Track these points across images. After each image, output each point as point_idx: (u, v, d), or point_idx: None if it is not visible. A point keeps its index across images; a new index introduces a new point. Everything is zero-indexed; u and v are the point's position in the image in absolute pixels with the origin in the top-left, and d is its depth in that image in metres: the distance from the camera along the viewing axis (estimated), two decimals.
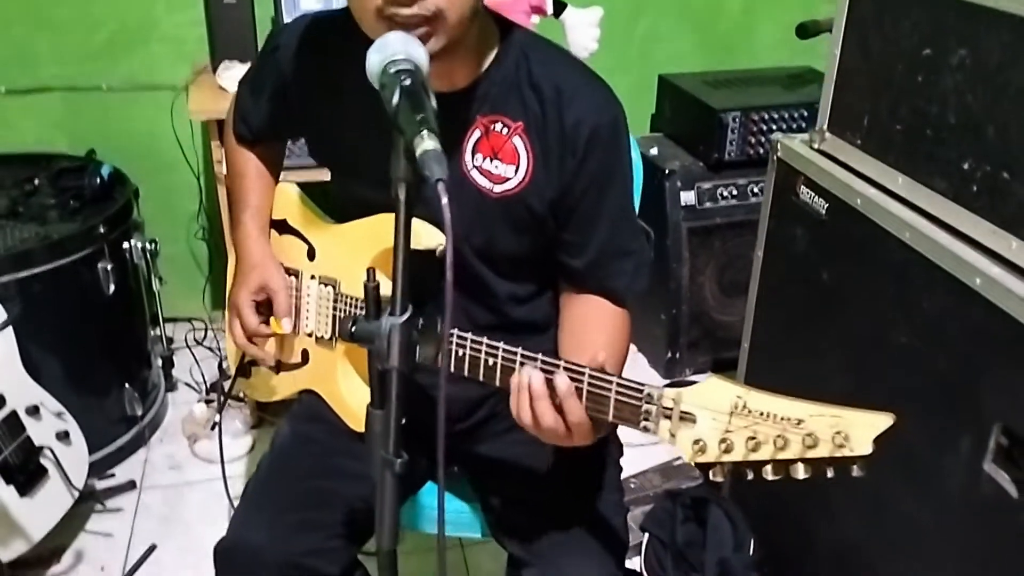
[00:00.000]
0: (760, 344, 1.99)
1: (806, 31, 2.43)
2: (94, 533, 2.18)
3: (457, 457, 1.50)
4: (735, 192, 2.75)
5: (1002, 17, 1.27)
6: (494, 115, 1.25)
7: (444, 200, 0.82)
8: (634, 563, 2.17)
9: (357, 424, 1.33)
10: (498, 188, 1.26)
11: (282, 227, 1.50)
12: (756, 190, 2.73)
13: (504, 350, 1.08)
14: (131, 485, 2.32)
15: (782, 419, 0.93)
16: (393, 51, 0.96)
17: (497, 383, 1.10)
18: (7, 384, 1.85)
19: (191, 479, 2.38)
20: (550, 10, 2.32)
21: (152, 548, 2.04)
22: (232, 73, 2.26)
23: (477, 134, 1.25)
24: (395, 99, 0.91)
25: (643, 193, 2.85)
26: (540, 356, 1.06)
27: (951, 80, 1.39)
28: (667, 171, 2.70)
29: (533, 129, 1.24)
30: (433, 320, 1.00)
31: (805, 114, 2.64)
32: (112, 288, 2.24)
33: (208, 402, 2.54)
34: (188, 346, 2.82)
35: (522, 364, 1.07)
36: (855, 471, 0.93)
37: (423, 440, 1.46)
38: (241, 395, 2.41)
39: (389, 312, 0.94)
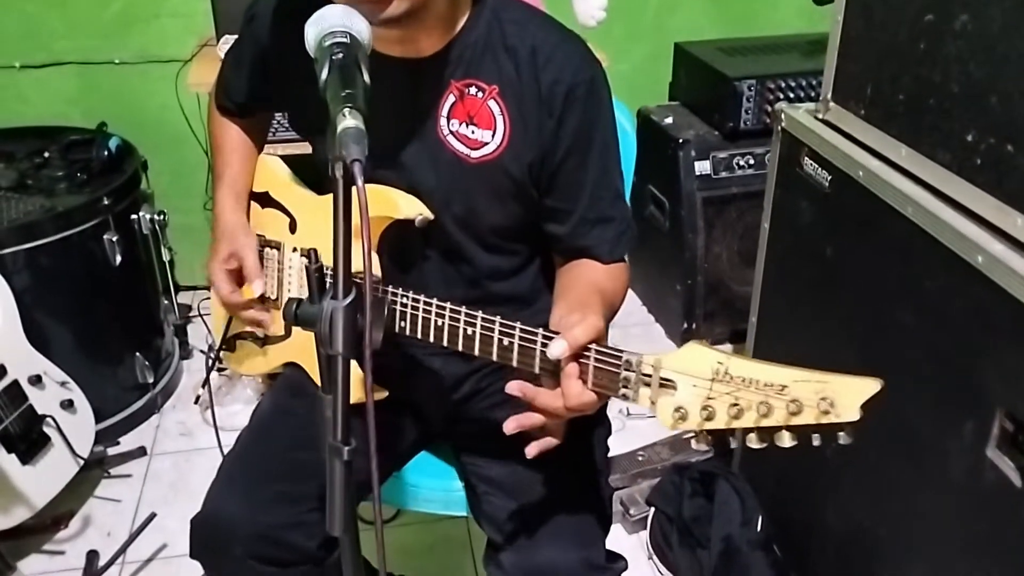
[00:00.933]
0: (768, 317, 1.91)
1: None
2: (103, 499, 2.18)
3: (445, 433, 1.46)
4: (751, 161, 2.65)
5: None
6: (468, 79, 1.19)
7: (359, 183, 0.76)
8: (640, 537, 2.12)
9: None
10: (476, 154, 1.21)
11: (264, 200, 1.44)
12: None
13: (483, 319, 1.04)
14: (141, 451, 2.31)
15: (765, 385, 0.88)
16: (330, 24, 0.90)
17: (476, 352, 1.05)
18: (8, 354, 1.84)
19: (201, 445, 2.37)
20: None
21: (152, 516, 2.02)
22: None
23: (451, 99, 1.20)
24: (324, 74, 0.86)
25: (657, 162, 2.78)
26: (518, 325, 1.02)
27: (953, 47, 1.29)
28: (681, 140, 2.62)
29: (509, 92, 1.19)
30: (378, 299, 0.94)
31: (821, 82, 2.52)
32: (119, 259, 2.21)
33: (220, 370, 2.51)
34: (203, 314, 2.80)
35: (502, 337, 1.03)
36: (842, 438, 0.87)
37: (412, 409, 1.43)
38: (225, 368, 2.39)
39: (332, 295, 0.88)
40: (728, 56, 2.71)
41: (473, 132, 1.20)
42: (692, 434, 0.92)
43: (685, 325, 2.78)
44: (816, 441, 0.88)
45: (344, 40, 0.89)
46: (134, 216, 2.27)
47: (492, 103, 1.19)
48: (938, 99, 1.33)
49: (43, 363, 1.94)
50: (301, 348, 1.40)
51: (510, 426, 1.06)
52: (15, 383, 1.84)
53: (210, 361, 1.55)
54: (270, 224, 1.41)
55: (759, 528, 1.94)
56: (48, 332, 2.06)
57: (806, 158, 1.65)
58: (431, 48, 1.17)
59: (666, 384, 0.93)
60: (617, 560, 1.32)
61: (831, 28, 1.58)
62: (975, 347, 1.28)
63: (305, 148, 1.48)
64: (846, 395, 0.85)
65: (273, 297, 1.39)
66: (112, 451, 2.29)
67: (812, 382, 0.86)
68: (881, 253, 1.47)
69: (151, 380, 2.41)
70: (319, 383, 1.32)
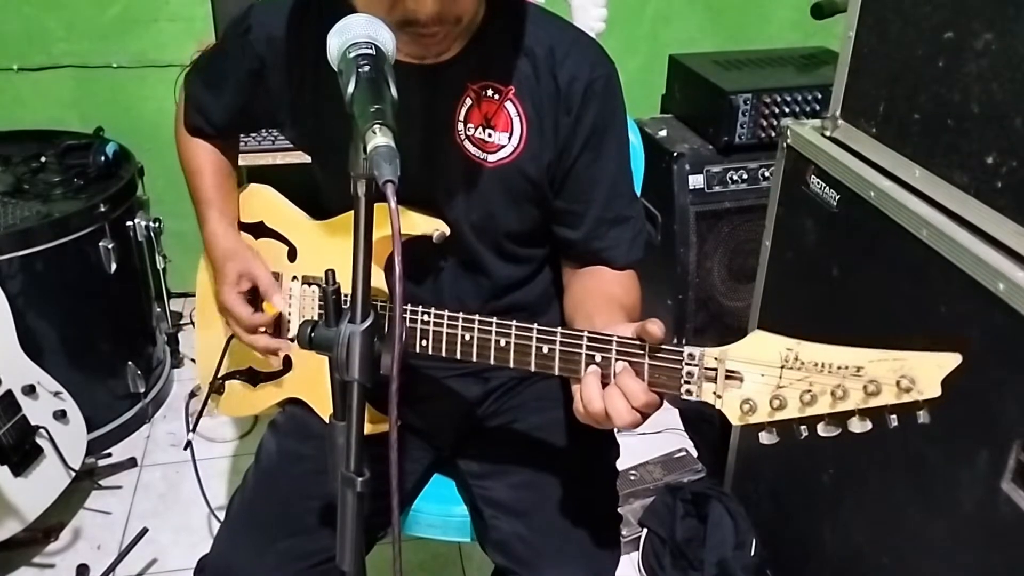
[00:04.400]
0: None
1: (821, 11, 2.26)
2: (93, 511, 2.09)
3: (453, 459, 1.39)
4: (745, 176, 2.59)
5: None
6: (484, 81, 1.15)
7: (393, 204, 0.70)
8: (631, 559, 2.06)
9: None
10: (492, 157, 1.16)
11: (258, 230, 1.36)
12: (767, 174, 2.57)
13: (517, 327, 0.97)
14: (132, 463, 2.23)
15: (839, 368, 0.84)
16: (354, 34, 0.84)
17: (511, 364, 0.98)
18: (3, 363, 1.75)
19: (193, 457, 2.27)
20: None
21: (144, 532, 1.93)
22: None
23: (468, 103, 1.15)
24: (351, 87, 0.79)
25: (650, 175, 2.71)
26: (559, 330, 0.96)
27: (975, 66, 1.23)
28: (675, 154, 2.55)
29: (525, 92, 1.14)
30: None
31: (819, 96, 2.47)
32: (114, 266, 2.13)
33: (191, 394, 2.43)
34: (192, 323, 2.70)
35: (541, 344, 0.96)
36: (921, 417, 0.84)
37: (424, 436, 1.36)
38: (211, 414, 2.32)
39: (349, 319, 0.81)
40: (723, 69, 2.65)
41: (490, 136, 1.15)
42: (760, 427, 0.88)
43: (675, 339, 2.72)
44: (893, 422, 0.84)
45: (370, 52, 0.82)
46: (129, 223, 2.19)
47: (509, 104, 1.15)
48: (957, 119, 1.27)
49: (37, 373, 1.86)
50: (303, 382, 1.32)
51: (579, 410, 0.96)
52: (9, 393, 1.76)
53: (197, 409, 1.46)
54: (267, 256, 1.33)
55: (753, 552, 1.89)
56: (41, 340, 1.98)
57: (813, 176, 1.59)
58: (448, 53, 1.12)
59: (732, 376, 0.88)
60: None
61: (842, 44, 1.52)
62: (992, 376, 1.21)
63: (271, 159, 1.40)
64: (926, 371, 0.82)
65: (269, 332, 1.30)
66: (102, 462, 2.21)
67: (889, 360, 0.82)
68: (892, 275, 1.40)
69: (142, 389, 2.33)
70: (325, 418, 1.26)
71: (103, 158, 2.16)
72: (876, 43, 1.45)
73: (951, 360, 0.81)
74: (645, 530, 2.04)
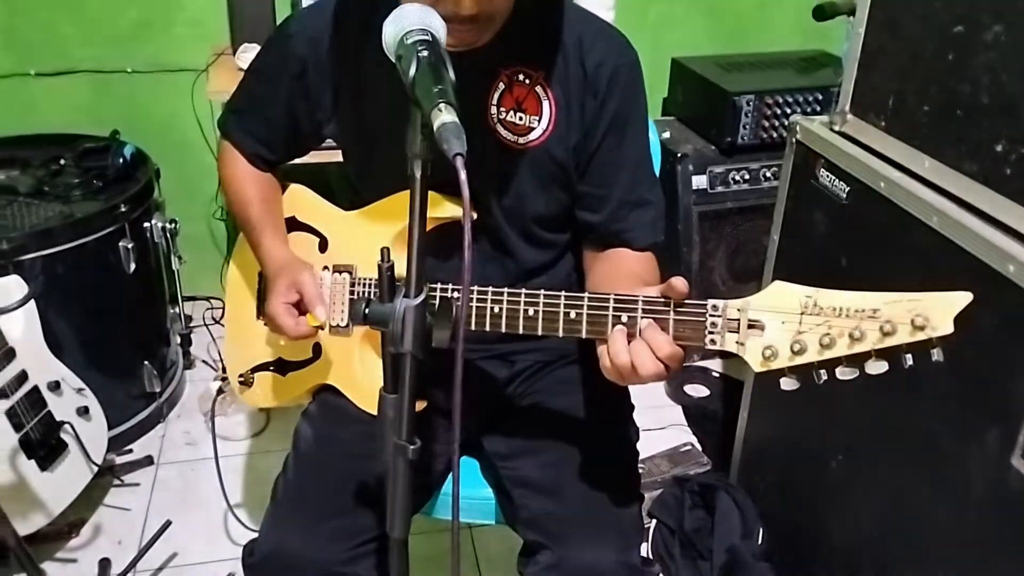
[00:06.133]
0: None
1: (823, 12, 2.30)
2: (112, 507, 2.11)
3: (480, 439, 1.41)
4: (747, 176, 2.63)
5: None
6: (516, 67, 1.20)
7: (463, 176, 0.74)
8: (641, 549, 2.09)
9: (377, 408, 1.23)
10: (523, 140, 1.21)
11: (291, 225, 1.40)
12: (769, 174, 2.62)
13: (545, 295, 1.01)
14: (148, 460, 2.25)
15: (856, 312, 0.88)
16: (410, 22, 0.88)
17: (540, 331, 1.01)
18: (30, 360, 1.77)
19: (207, 455, 2.29)
20: None
21: (167, 524, 1.96)
22: (250, 56, 2.15)
23: (501, 87, 1.20)
24: (412, 71, 0.83)
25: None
26: (586, 295, 0.99)
27: (984, 58, 1.27)
28: (679, 155, 2.59)
29: (554, 77, 1.20)
30: (446, 299, 0.91)
31: (820, 98, 2.52)
32: (133, 266, 2.15)
33: (223, 379, 2.45)
34: (206, 324, 2.75)
35: (568, 309, 0.99)
36: (935, 355, 0.88)
37: (451, 419, 1.38)
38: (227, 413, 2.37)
39: (404, 294, 0.84)
40: (726, 71, 2.69)
41: (521, 119, 1.20)
42: (781, 373, 0.92)
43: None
44: (909, 360, 0.87)
45: (427, 38, 0.86)
46: (147, 224, 2.21)
47: (539, 89, 1.20)
48: (966, 110, 1.31)
49: (61, 369, 1.88)
50: (332, 369, 1.35)
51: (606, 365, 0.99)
52: (35, 389, 1.77)
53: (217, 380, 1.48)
54: (298, 248, 1.37)
55: (760, 541, 1.92)
56: (63, 338, 1.99)
57: (822, 169, 1.63)
58: (483, 40, 1.15)
59: (754, 325, 0.91)
60: (651, 564, 1.29)
61: (850, 41, 1.56)
62: (1003, 355, 1.25)
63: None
64: (939, 309, 0.85)
65: (344, 324, 1.32)
66: (120, 460, 2.23)
67: (904, 301, 0.86)
68: (903, 262, 1.44)
69: (158, 389, 2.35)
70: (356, 401, 1.30)
71: (121, 160, 2.19)
72: (886, 39, 1.49)
73: (963, 298, 0.85)
74: (654, 521, 2.06)
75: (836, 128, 1.63)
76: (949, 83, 1.35)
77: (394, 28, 0.88)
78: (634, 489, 1.32)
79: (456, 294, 1.07)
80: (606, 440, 1.33)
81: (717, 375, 2.68)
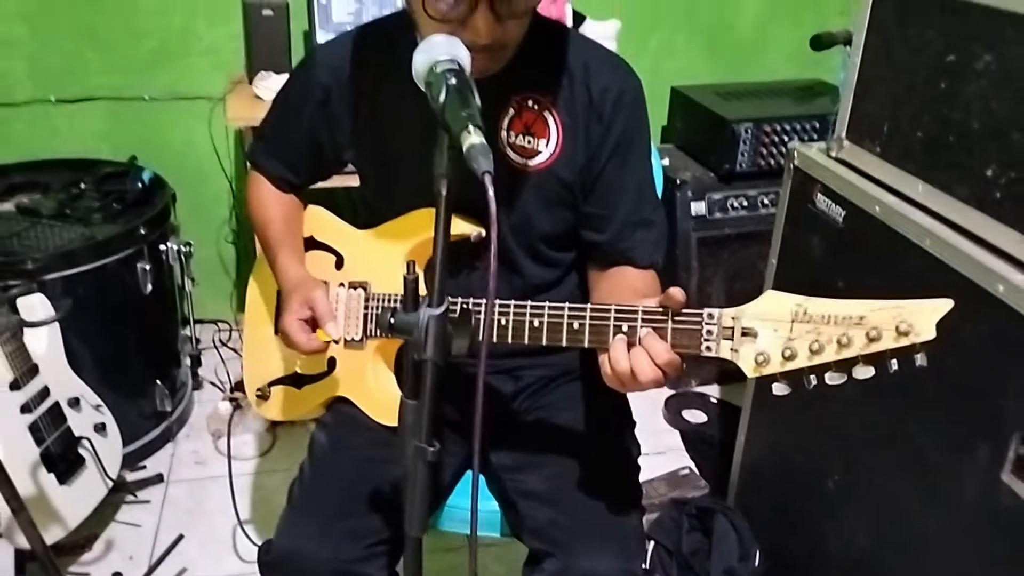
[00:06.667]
0: None
1: (820, 43, 2.37)
2: (124, 523, 2.14)
3: (488, 451, 1.45)
4: (745, 203, 2.68)
5: None
6: (526, 93, 1.26)
7: (490, 192, 0.79)
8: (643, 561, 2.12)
9: (390, 419, 1.27)
10: (532, 162, 1.27)
11: (309, 243, 1.45)
12: (767, 201, 2.67)
13: (550, 307, 1.05)
14: (159, 478, 2.28)
15: (844, 319, 0.92)
16: (439, 52, 0.94)
17: (544, 342, 1.06)
18: (52, 377, 1.81)
19: (215, 474, 2.34)
20: (570, 22, 2.29)
21: (179, 538, 1.99)
22: (267, 83, 2.23)
23: (511, 112, 1.26)
24: (442, 97, 0.88)
25: None
26: (589, 306, 1.04)
27: (976, 86, 1.33)
28: (678, 181, 2.65)
29: (562, 103, 1.25)
30: (465, 310, 0.96)
31: (817, 126, 2.58)
32: (150, 287, 2.19)
33: (232, 400, 2.50)
34: (215, 346, 2.79)
35: (571, 320, 1.03)
36: (919, 360, 0.91)
37: (460, 427, 1.42)
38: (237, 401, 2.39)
39: (427, 304, 0.89)
40: (724, 100, 2.75)
41: (529, 142, 1.26)
42: (773, 378, 0.96)
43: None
44: (894, 365, 0.91)
45: (455, 67, 0.92)
46: (163, 247, 2.26)
47: (547, 114, 1.25)
48: (958, 136, 1.37)
49: (80, 386, 1.92)
50: (346, 381, 1.39)
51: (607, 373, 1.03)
52: (56, 404, 1.81)
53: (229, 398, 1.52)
54: (315, 266, 1.42)
55: (756, 563, 1.95)
56: (81, 356, 2.03)
57: (819, 194, 1.68)
58: (496, 67, 1.21)
59: (747, 333, 0.96)
60: (652, 574, 1.33)
61: (847, 71, 1.62)
62: (993, 372, 1.29)
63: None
64: (922, 316, 0.89)
65: (358, 338, 1.36)
66: (131, 477, 2.26)
67: (889, 309, 0.91)
68: (896, 284, 1.48)
69: (169, 408, 2.39)
70: (367, 412, 1.34)
71: (140, 184, 2.25)
72: (881, 68, 1.55)
73: (944, 305, 0.89)
74: (652, 543, 2.08)
75: (833, 154, 1.68)
76: (942, 110, 1.40)
77: (425, 57, 0.93)
78: (635, 500, 1.36)
79: (465, 306, 1.11)
80: (608, 453, 1.38)
81: (715, 401, 2.72)
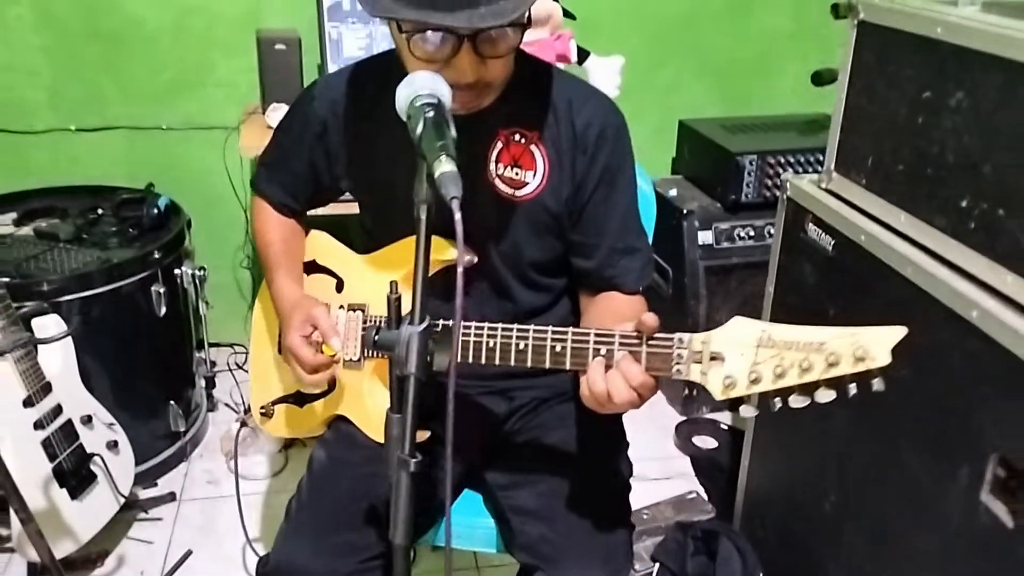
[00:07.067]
0: None
1: (821, 79, 2.45)
2: (136, 540, 2.21)
3: (482, 470, 1.52)
4: (752, 233, 2.74)
5: (996, 61, 1.28)
6: (513, 127, 1.32)
7: (457, 216, 0.86)
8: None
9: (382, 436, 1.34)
10: (519, 193, 1.33)
11: (311, 267, 1.53)
12: (772, 231, 2.71)
13: (535, 330, 1.10)
14: (171, 496, 2.35)
15: (805, 345, 0.97)
16: (420, 86, 1.01)
17: (529, 363, 1.11)
18: (65, 394, 1.89)
19: (226, 493, 2.40)
20: (574, 58, 2.36)
21: (188, 553, 2.06)
22: (279, 114, 2.29)
23: (499, 145, 1.33)
24: (419, 128, 0.96)
25: (661, 232, 2.88)
26: (570, 330, 1.09)
27: (950, 121, 1.39)
28: (685, 211, 2.72)
29: (548, 137, 1.32)
30: (447, 328, 1.02)
31: (820, 158, 2.61)
32: (163, 310, 2.28)
33: (243, 424, 2.56)
34: (229, 369, 2.87)
35: (554, 343, 1.09)
36: (876, 384, 0.96)
37: (456, 446, 1.48)
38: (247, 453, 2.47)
39: (409, 322, 0.96)
40: (730, 133, 2.83)
41: (517, 173, 1.32)
42: (740, 401, 1.01)
43: (686, 391, 2.83)
44: (853, 389, 0.96)
45: (433, 101, 0.99)
46: (177, 271, 2.34)
47: (534, 147, 1.32)
48: (935, 169, 1.43)
49: (94, 405, 1.99)
50: (343, 398, 1.46)
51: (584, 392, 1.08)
52: (69, 422, 1.89)
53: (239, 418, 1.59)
54: (317, 289, 1.50)
55: None
56: (95, 376, 2.11)
57: (810, 224, 1.74)
58: (485, 104, 1.29)
59: (715, 357, 1.01)
60: None
61: (835, 105, 1.69)
62: (970, 396, 1.34)
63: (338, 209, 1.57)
64: (877, 342, 0.94)
65: (356, 358, 1.43)
66: (144, 495, 2.33)
67: (847, 336, 0.96)
68: (881, 311, 1.54)
69: (182, 428, 2.46)
70: (366, 430, 1.41)
71: (155, 210, 2.34)
72: (865, 104, 1.62)
73: (898, 332, 0.94)
74: (657, 565, 2.12)
75: (823, 186, 1.74)
76: (920, 144, 1.46)
77: (407, 92, 1.01)
78: (624, 518, 1.42)
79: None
80: (599, 472, 1.43)
81: (726, 427, 2.75)
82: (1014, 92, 1.26)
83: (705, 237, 2.74)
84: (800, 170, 2.65)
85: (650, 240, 1.70)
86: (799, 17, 2.94)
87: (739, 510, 2.15)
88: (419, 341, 0.95)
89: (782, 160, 2.67)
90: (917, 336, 1.40)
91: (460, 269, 0.84)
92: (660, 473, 2.53)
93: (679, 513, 2.36)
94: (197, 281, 2.41)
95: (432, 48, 1.13)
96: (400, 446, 0.98)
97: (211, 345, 2.68)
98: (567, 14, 2.38)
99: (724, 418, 2.79)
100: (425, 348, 0.96)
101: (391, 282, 0.99)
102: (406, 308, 1.00)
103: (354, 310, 1.43)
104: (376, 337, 0.98)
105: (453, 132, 0.96)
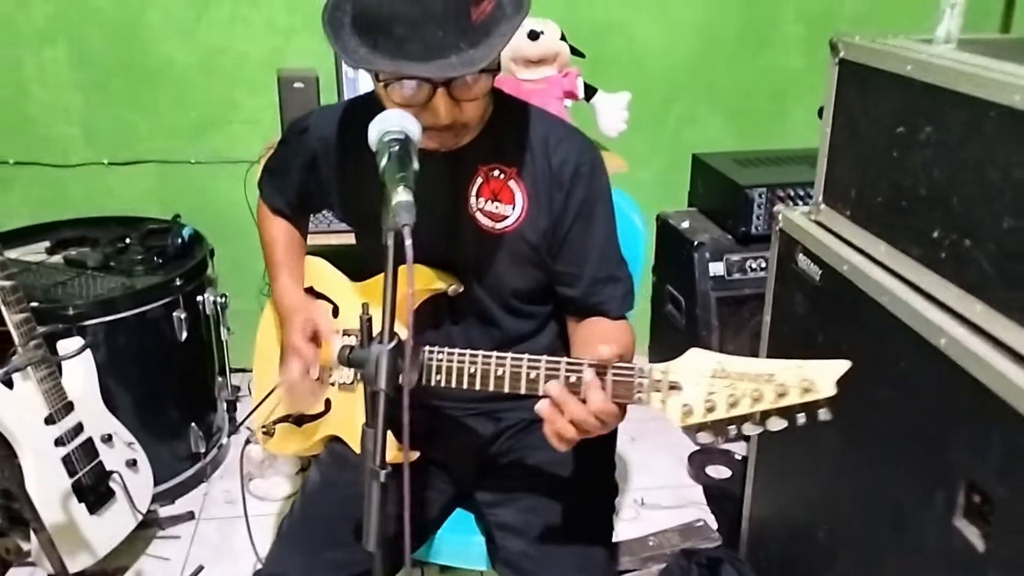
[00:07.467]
0: None
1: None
2: (154, 557, 2.29)
3: (472, 489, 1.58)
4: (763, 264, 2.78)
5: (959, 97, 1.33)
6: (492, 164, 1.40)
7: (408, 242, 0.93)
8: None
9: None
10: (499, 225, 1.40)
11: (310, 293, 1.62)
12: None
13: (512, 358, 1.16)
14: (190, 515, 2.44)
15: (756, 376, 1.02)
16: (390, 123, 1.10)
17: (507, 389, 1.17)
18: (87, 413, 2.00)
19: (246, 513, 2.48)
20: (581, 94, 2.44)
21: (200, 569, 2.13)
22: None
23: (479, 181, 1.40)
24: (384, 161, 1.04)
25: (673, 264, 2.93)
26: (544, 359, 1.15)
27: (921, 155, 1.44)
28: (696, 243, 2.77)
29: (526, 172, 1.39)
30: (415, 347, 1.10)
31: None
32: (185, 335, 2.38)
33: (247, 441, 2.64)
34: (252, 394, 2.94)
35: (529, 370, 1.15)
36: (822, 414, 1.01)
37: (446, 466, 1.56)
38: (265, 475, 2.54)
39: (378, 341, 1.03)
40: (741, 166, 2.89)
41: (497, 207, 1.40)
42: (699, 428, 1.06)
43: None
44: (801, 419, 1.01)
45: (400, 137, 1.08)
46: (200, 297, 2.45)
47: (512, 182, 1.40)
48: (909, 201, 1.48)
49: (114, 424, 2.09)
50: (340, 421, 1.54)
51: (542, 405, 1.13)
52: (89, 440, 1.99)
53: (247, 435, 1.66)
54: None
55: None
56: (118, 397, 2.21)
57: (800, 255, 1.79)
58: (464, 141, 1.37)
59: (674, 386, 1.07)
60: None
61: (820, 140, 1.75)
62: (942, 423, 1.38)
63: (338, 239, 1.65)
64: (822, 374, 1.00)
65: (315, 377, 1.51)
66: (164, 513, 2.42)
67: (794, 368, 1.02)
68: (864, 339, 1.58)
69: (203, 450, 2.55)
70: (358, 450, 1.47)
71: (180, 240, 2.46)
72: (848, 138, 1.67)
73: (842, 365, 1.00)
74: None
75: (812, 217, 1.80)
76: (896, 177, 1.52)
77: (377, 128, 1.10)
78: (604, 536, 1.47)
79: (439, 353, 1.24)
80: (581, 491, 1.49)
81: (739, 458, 2.78)
82: (977, 127, 1.31)
83: (716, 268, 2.79)
84: (808, 201, 2.68)
85: (642, 267, 1.79)
86: (810, 53, 3.00)
87: (744, 538, 2.18)
88: (387, 359, 1.02)
89: (791, 193, 2.72)
90: (895, 364, 1.48)
91: (410, 290, 0.91)
92: (672, 502, 2.56)
93: (685, 540, 2.39)
94: (219, 308, 2.52)
95: (408, 94, 1.21)
96: (371, 457, 1.04)
97: (234, 370, 2.77)
98: (576, 52, 2.47)
99: (739, 448, 2.82)
100: (394, 365, 1.03)
101: (363, 304, 1.07)
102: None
103: (349, 335, 1.50)
104: (350, 355, 1.06)
105: (416, 165, 1.04)
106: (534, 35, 2.36)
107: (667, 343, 2.94)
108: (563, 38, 2.43)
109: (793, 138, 3.09)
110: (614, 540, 2.18)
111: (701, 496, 2.63)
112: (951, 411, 1.35)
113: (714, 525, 2.48)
